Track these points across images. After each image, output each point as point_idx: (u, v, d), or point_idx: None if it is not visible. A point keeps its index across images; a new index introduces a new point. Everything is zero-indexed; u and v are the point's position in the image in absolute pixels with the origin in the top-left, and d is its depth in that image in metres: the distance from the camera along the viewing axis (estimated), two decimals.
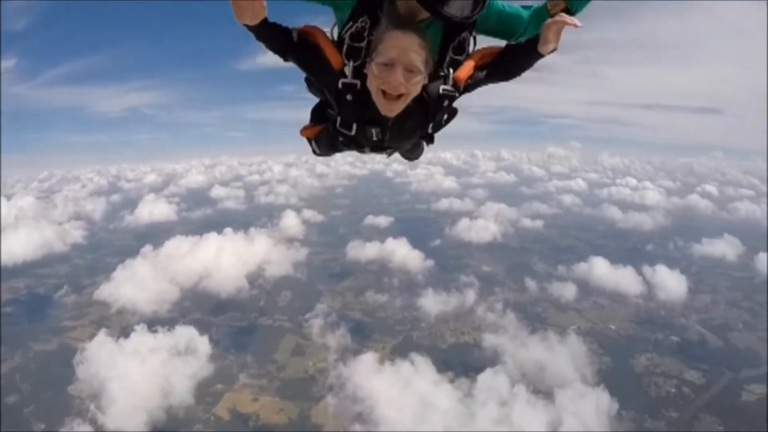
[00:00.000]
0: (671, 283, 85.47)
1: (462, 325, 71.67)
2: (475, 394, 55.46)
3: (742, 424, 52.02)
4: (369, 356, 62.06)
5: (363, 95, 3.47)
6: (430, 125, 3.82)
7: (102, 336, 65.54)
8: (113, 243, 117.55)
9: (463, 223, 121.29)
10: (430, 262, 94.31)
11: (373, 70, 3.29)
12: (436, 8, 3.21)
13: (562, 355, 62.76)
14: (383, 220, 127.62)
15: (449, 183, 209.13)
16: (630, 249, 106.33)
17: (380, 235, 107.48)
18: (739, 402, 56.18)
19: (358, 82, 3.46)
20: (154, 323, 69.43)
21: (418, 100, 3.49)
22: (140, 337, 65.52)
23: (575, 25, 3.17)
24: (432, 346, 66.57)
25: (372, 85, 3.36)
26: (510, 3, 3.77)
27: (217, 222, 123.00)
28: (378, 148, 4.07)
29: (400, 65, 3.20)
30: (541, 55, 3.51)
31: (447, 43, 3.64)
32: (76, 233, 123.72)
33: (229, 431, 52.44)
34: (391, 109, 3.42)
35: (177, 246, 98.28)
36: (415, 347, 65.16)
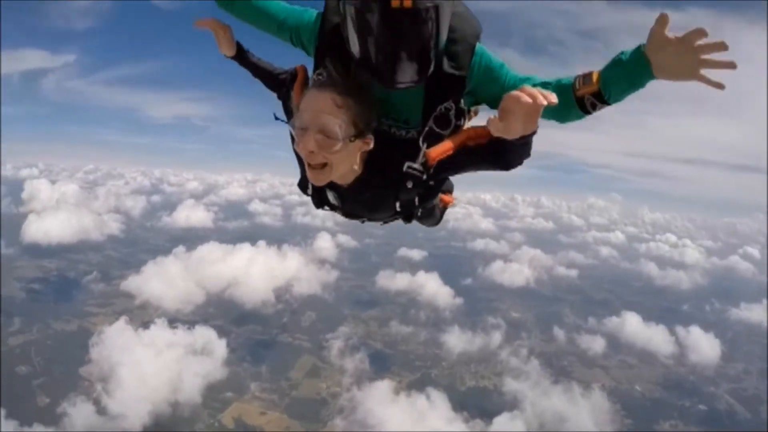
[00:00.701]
0: (704, 346, 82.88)
1: (483, 368, 70.14)
2: None
3: None
4: (385, 384, 61.10)
5: None
6: (396, 203, 3.19)
7: (122, 323, 66.15)
8: (148, 240, 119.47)
9: (497, 265, 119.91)
10: (459, 300, 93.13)
11: (293, 134, 2.81)
12: (382, 79, 2.70)
13: (584, 410, 60.87)
14: (416, 254, 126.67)
15: (486, 224, 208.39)
16: (665, 308, 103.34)
17: (412, 267, 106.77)
18: None
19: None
20: (175, 321, 69.86)
21: (377, 171, 2.99)
22: (159, 331, 65.94)
23: (543, 102, 2.20)
24: (450, 385, 64.95)
25: (297, 150, 2.89)
26: (520, 74, 2.97)
27: (252, 234, 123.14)
28: (347, 214, 3.60)
29: (312, 130, 2.66)
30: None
31: (429, 111, 2.96)
32: (114, 225, 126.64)
33: None
34: (315, 179, 2.86)
35: (210, 251, 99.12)
36: (432, 384, 63.74)
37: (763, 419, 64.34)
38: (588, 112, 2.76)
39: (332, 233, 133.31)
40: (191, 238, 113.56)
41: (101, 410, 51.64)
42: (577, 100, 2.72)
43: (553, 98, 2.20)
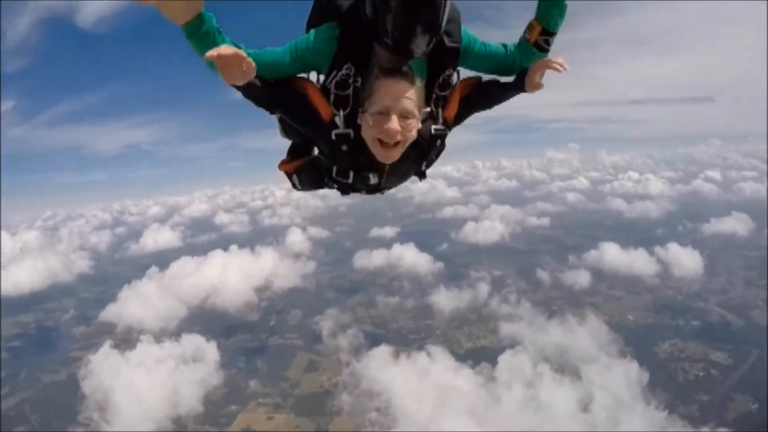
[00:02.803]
0: (686, 260, 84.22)
1: (477, 329, 69.75)
2: (498, 376, 54.13)
3: None
4: (382, 350, 61.09)
5: (358, 144, 3.41)
6: (424, 164, 3.84)
7: (106, 348, 64.86)
8: (120, 273, 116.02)
9: (469, 226, 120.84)
10: (439, 264, 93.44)
11: (368, 120, 3.22)
12: (399, 51, 3.16)
13: (583, 336, 61.48)
14: (389, 231, 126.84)
15: (452, 193, 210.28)
16: (640, 236, 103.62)
17: (387, 244, 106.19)
18: None
19: (351, 132, 3.38)
20: (161, 337, 68.70)
21: (413, 142, 3.42)
22: (146, 348, 64.81)
23: (561, 69, 3.38)
24: (449, 347, 64.49)
25: (367, 134, 3.29)
26: (489, 42, 3.76)
27: (222, 245, 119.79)
28: (374, 190, 4.02)
29: (395, 113, 3.16)
30: (526, 92, 3.66)
31: (432, 80, 3.57)
32: (82, 263, 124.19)
33: None
34: (389, 157, 3.35)
35: (183, 266, 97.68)
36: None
37: (755, 323, 65.20)
38: (546, 50, 3.57)
39: (302, 228, 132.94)
40: (162, 260, 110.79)
41: None
42: (534, 45, 3.54)
43: (564, 66, 3.39)
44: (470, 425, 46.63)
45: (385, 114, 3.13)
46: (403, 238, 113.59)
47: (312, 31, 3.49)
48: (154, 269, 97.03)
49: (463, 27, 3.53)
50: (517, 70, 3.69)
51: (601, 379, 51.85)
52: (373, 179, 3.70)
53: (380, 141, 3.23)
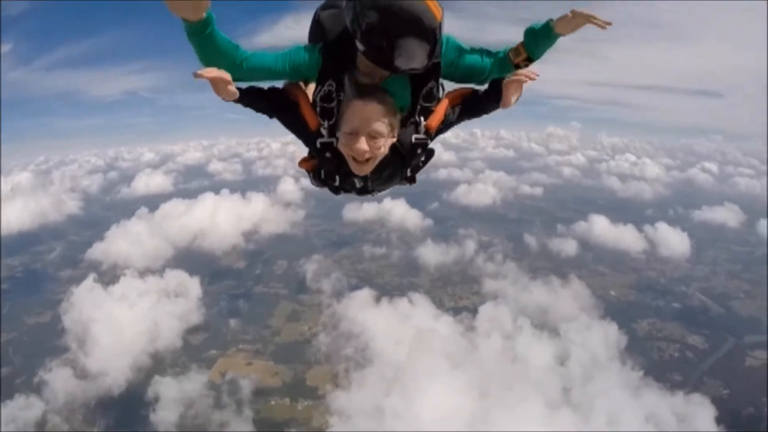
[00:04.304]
0: (674, 240, 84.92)
1: (460, 289, 69.90)
2: (477, 326, 54.71)
3: (746, 388, 50.96)
4: (365, 293, 61.73)
5: (340, 152, 3.56)
6: (408, 170, 3.96)
7: (90, 281, 64.82)
8: (109, 216, 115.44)
9: (462, 188, 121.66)
10: (428, 221, 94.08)
11: (341, 137, 3.41)
12: (391, 66, 3.09)
13: (566, 298, 62.12)
14: None
15: (448, 156, 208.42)
16: (630, 215, 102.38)
17: (377, 198, 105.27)
18: (742, 367, 55.16)
19: (334, 140, 3.57)
20: (145, 274, 68.68)
21: (393, 150, 3.60)
22: (129, 282, 64.86)
23: (533, 78, 3.33)
24: (432, 298, 65.40)
25: (342, 149, 3.48)
26: (472, 46, 3.78)
27: (214, 191, 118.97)
28: (363, 192, 4.17)
29: (363, 134, 3.30)
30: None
31: (417, 91, 3.63)
32: (72, 204, 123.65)
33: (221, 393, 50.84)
34: (362, 170, 3.54)
35: (173, 208, 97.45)
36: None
37: (734, 313, 66.28)
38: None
39: (295, 178, 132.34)
40: (153, 203, 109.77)
41: (80, 374, 50.56)
42: (515, 66, 3.61)
43: (535, 75, 3.32)
44: (445, 369, 47.03)
45: (354, 135, 3.29)
46: (394, 193, 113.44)
47: (302, 48, 3.62)
48: (143, 210, 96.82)
49: (444, 38, 3.53)
50: (488, 80, 3.79)
51: (579, 338, 52.65)
52: (359, 183, 3.92)
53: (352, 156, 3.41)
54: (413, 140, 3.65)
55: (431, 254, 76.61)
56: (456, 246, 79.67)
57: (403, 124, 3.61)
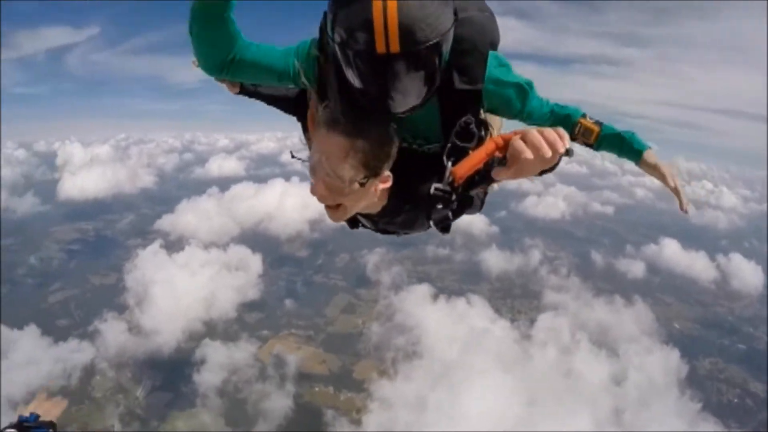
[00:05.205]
0: (747, 273, 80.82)
1: (520, 303, 68.04)
2: (534, 335, 53.63)
3: None
4: (423, 288, 61.29)
5: None
6: (430, 222, 2.83)
7: (156, 246, 67.07)
8: (181, 194, 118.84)
9: (531, 200, 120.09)
10: (494, 228, 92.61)
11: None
12: (382, 109, 2.30)
13: (628, 319, 60.12)
14: None
15: None
16: (703, 243, 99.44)
17: None
18: None
19: None
20: (210, 246, 70.27)
21: (405, 196, 2.76)
22: (193, 251, 66.76)
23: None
24: (491, 300, 64.51)
25: None
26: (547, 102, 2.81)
27: (284, 177, 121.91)
28: (383, 232, 3.43)
29: (321, 173, 2.39)
30: None
31: (448, 126, 2.64)
32: (147, 179, 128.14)
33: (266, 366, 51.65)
34: (333, 217, 2.62)
35: (243, 190, 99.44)
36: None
37: None
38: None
39: None
40: (225, 185, 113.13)
41: (134, 330, 52.46)
42: (572, 138, 2.76)
43: (561, 146, 1.87)
44: (496, 371, 46.40)
45: (313, 171, 2.43)
46: None
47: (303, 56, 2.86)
48: (214, 189, 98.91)
49: (496, 61, 2.62)
50: (522, 120, 2.84)
51: (639, 360, 50.95)
52: (368, 224, 3.25)
53: None
54: (432, 191, 2.53)
55: (495, 260, 75.58)
56: (521, 255, 78.48)
57: (428, 161, 2.73)
